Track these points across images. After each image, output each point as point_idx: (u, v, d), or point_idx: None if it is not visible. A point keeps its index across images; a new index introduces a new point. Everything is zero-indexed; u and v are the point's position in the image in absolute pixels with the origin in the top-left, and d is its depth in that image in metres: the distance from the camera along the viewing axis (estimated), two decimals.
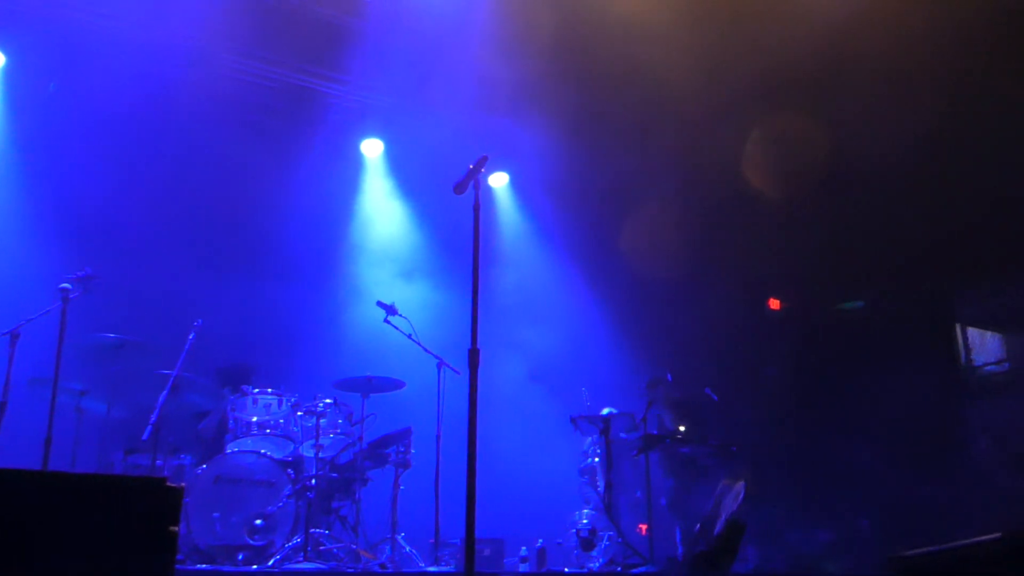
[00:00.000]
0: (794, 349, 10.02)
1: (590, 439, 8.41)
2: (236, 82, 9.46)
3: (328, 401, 7.28)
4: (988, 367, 9.34)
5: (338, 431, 7.34)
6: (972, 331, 9.49)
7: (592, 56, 9.12)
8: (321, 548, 6.63)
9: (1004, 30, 8.02)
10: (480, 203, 5.07)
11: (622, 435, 8.36)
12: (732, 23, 8.59)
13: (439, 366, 7.64)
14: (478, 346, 4.74)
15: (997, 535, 3.74)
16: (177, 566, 3.82)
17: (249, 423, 7.11)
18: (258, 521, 6.45)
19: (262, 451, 6.91)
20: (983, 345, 9.42)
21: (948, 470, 8.39)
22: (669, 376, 8.66)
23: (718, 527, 4.84)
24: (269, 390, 7.24)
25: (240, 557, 6.36)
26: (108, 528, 2.31)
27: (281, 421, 7.21)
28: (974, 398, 8.97)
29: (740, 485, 4.94)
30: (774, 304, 10.95)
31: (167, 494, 2.43)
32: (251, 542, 6.41)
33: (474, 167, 5.01)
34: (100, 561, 2.28)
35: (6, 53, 8.60)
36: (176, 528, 2.38)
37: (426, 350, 7.65)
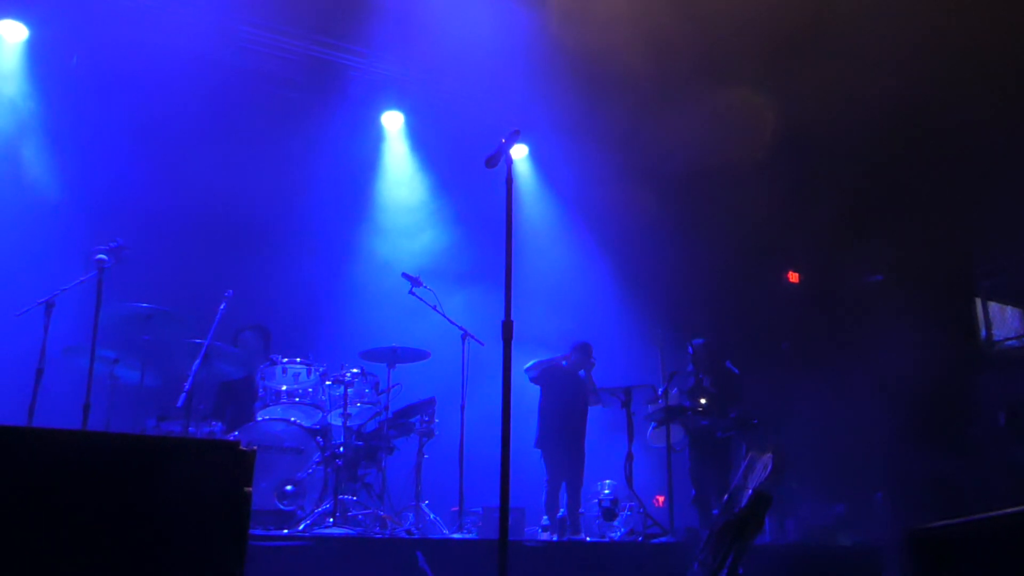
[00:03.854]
0: (812, 322, 10.07)
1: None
2: (256, 55, 9.50)
3: (355, 371, 7.38)
4: (1008, 342, 9.38)
5: (365, 400, 7.43)
6: (992, 305, 9.52)
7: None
8: (349, 514, 6.75)
9: None
10: (512, 177, 5.05)
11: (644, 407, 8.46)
12: None
13: (463, 337, 7.73)
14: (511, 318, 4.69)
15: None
16: None
17: (279, 392, 7.24)
18: (288, 487, 6.56)
19: (292, 419, 7.03)
20: (1003, 320, 9.47)
21: (965, 444, 8.47)
22: (690, 348, 8.73)
23: (745, 498, 4.93)
24: (298, 359, 7.34)
25: (269, 522, 6.48)
26: (185, 489, 2.41)
27: (310, 390, 7.33)
28: (993, 372, 9.01)
29: (768, 457, 5.02)
30: (793, 277, 11.00)
31: (241, 456, 2.53)
32: (281, 507, 6.52)
33: (506, 140, 4.95)
34: (178, 520, 2.38)
35: (28, 26, 8.64)
36: (250, 489, 2.49)
37: (451, 321, 7.73)
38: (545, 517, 7.92)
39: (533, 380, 8.73)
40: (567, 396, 8.63)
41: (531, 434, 8.53)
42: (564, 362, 8.75)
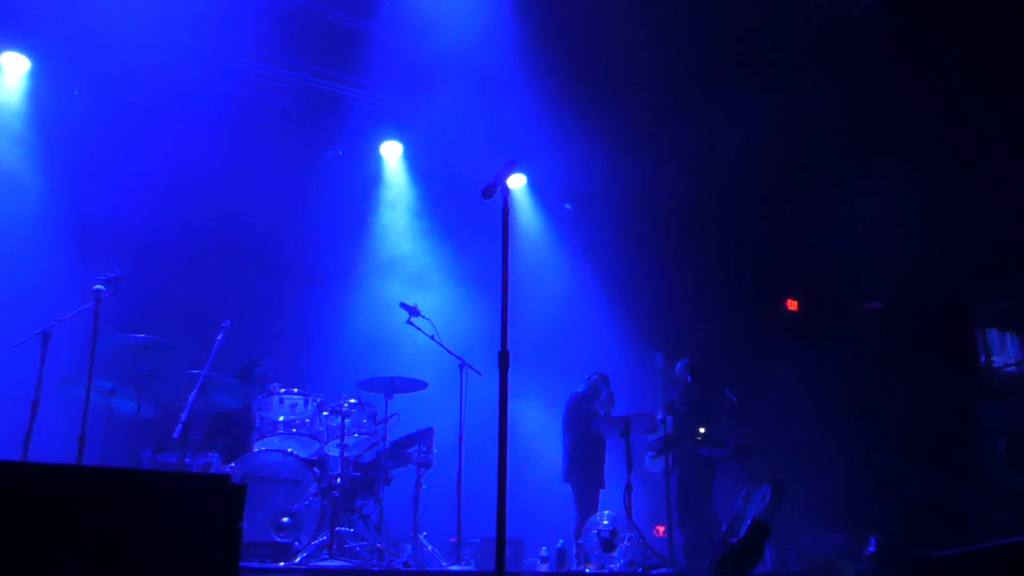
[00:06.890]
0: (812, 350, 10.05)
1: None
2: (256, 86, 9.59)
3: (353, 401, 7.34)
4: (1007, 368, 9.36)
5: (362, 431, 7.40)
6: (992, 332, 9.52)
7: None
8: (346, 546, 6.69)
9: None
10: (509, 207, 5.04)
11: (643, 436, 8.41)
12: None
13: (461, 367, 7.69)
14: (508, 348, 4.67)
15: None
16: None
17: (275, 422, 7.21)
18: (285, 519, 6.51)
19: (288, 450, 6.99)
20: (1003, 346, 9.45)
21: (966, 471, 8.42)
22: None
23: (744, 528, 4.90)
24: (295, 390, 7.32)
25: (266, 554, 6.43)
26: (177, 524, 2.40)
27: (307, 420, 7.30)
28: (993, 399, 8.98)
29: (766, 487, 5.00)
30: (792, 305, 10.99)
31: (232, 491, 2.51)
32: (277, 539, 6.47)
33: (502, 171, 4.95)
34: (169, 555, 2.37)
35: (30, 58, 8.70)
36: (241, 524, 2.47)
37: (449, 351, 7.70)
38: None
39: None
40: (597, 429, 8.62)
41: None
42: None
